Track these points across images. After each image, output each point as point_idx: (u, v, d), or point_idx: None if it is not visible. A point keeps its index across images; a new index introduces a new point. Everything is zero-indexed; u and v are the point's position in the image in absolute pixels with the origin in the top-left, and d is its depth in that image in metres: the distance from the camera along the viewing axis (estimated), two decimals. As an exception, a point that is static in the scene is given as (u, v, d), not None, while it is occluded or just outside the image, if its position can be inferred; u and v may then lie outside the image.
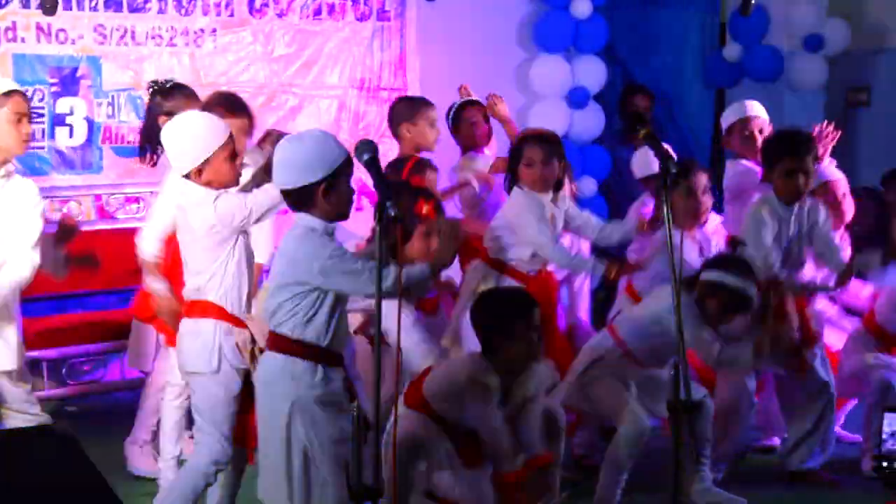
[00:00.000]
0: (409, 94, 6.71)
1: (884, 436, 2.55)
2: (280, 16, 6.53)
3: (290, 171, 3.51)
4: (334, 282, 3.45)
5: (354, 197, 3.60)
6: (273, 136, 4.44)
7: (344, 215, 3.56)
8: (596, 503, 4.46)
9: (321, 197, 3.47)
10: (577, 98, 7.44)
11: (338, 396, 3.51)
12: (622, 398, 4.44)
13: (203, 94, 5.03)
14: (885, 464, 2.57)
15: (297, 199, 3.51)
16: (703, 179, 5.12)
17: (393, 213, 3.13)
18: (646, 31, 8.29)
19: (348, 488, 3.00)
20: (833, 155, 5.50)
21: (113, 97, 6.05)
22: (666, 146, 3.91)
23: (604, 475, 4.47)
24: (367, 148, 3.29)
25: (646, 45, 8.29)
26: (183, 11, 6.20)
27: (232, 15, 6.36)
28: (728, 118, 5.51)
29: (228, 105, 4.66)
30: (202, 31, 6.29)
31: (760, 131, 5.38)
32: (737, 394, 4.78)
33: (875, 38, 8.24)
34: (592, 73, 7.54)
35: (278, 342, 3.53)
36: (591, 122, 7.57)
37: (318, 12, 6.64)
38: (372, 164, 3.26)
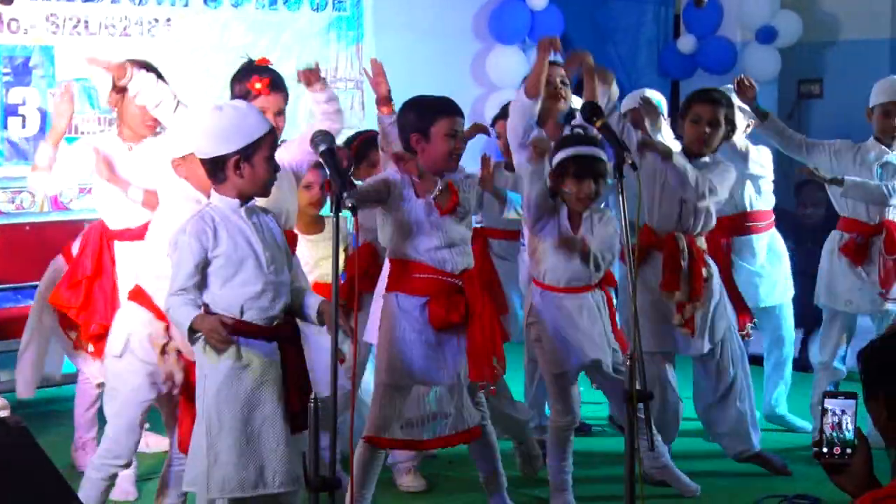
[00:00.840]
0: (365, 84, 6.70)
1: (824, 422, 2.60)
2: (235, 6, 6.50)
3: (205, 140, 3.48)
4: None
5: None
6: None
7: (259, 193, 3.51)
8: (551, 491, 4.51)
9: (232, 171, 3.43)
10: (533, 89, 7.48)
11: (258, 370, 3.46)
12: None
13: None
14: (825, 449, 2.61)
15: (211, 169, 3.47)
16: None
17: (350, 205, 3.14)
18: (601, 22, 8.36)
19: (305, 480, 3.02)
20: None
21: (66, 86, 5.99)
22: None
23: (548, 461, 4.51)
24: (324, 139, 3.29)
25: (601, 37, 8.36)
26: (137, 1, 6.16)
27: (187, 5, 6.33)
28: None
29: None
30: (157, 20, 6.25)
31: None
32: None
33: (827, 31, 8.36)
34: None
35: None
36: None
37: (273, 2, 6.63)
38: (328, 155, 3.26)
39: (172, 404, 3.94)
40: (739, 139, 5.34)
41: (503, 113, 4.83)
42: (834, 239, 5.25)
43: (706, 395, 4.92)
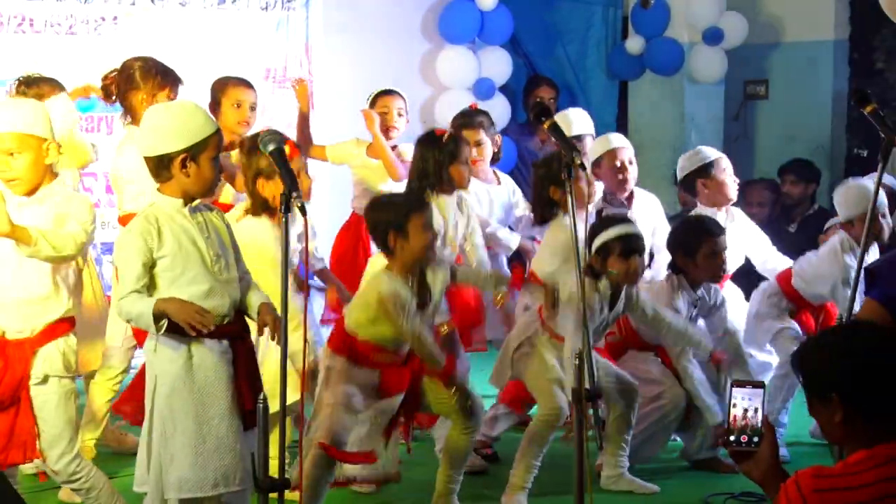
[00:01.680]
0: (315, 84, 6.71)
1: (733, 411, 2.65)
2: (183, 4, 6.47)
3: (151, 139, 3.47)
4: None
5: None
6: None
7: (203, 192, 3.50)
8: (508, 489, 4.53)
9: (178, 169, 3.42)
10: (482, 89, 7.51)
11: (210, 370, 3.45)
12: (545, 378, 4.53)
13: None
14: (732, 437, 2.65)
15: (156, 168, 3.45)
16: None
17: (299, 205, 3.12)
18: (550, 23, 8.41)
19: (255, 481, 3.01)
20: (732, 146, 5.65)
21: (11, 86, 5.93)
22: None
23: (519, 457, 4.55)
24: (273, 138, 3.27)
25: (550, 38, 8.42)
26: (83, -1, 6.12)
27: (134, 3, 6.29)
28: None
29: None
30: (103, 18, 6.20)
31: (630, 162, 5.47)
32: (680, 399, 4.89)
33: (772, 32, 8.47)
34: (498, 64, 7.62)
35: None
36: (496, 113, 7.62)
37: (221, 1, 6.60)
38: (277, 155, 3.24)
39: None
40: None
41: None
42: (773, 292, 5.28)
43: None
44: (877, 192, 4.18)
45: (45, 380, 3.79)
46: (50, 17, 6.04)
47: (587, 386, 3.61)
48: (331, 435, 4.02)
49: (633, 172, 5.44)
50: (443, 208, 4.78)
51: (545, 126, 4.07)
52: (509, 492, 4.51)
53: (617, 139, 5.58)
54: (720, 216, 5.29)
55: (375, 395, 4.10)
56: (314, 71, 6.92)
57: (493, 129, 5.58)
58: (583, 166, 3.88)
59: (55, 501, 4.49)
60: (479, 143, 5.36)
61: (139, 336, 4.75)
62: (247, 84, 5.32)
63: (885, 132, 4.13)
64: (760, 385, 2.65)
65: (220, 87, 5.25)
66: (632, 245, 4.50)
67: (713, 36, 8.11)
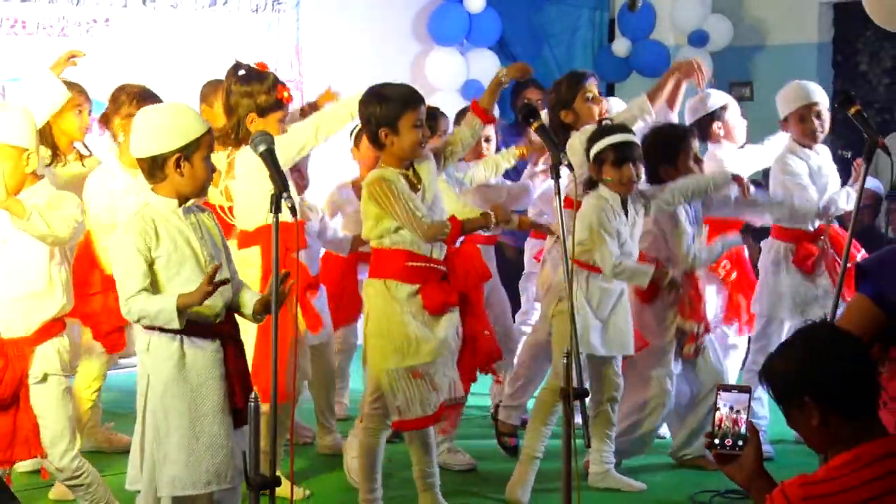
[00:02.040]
0: (305, 85, 6.75)
1: (718, 415, 2.68)
2: (174, 6, 6.50)
3: (144, 140, 3.49)
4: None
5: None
6: None
7: (197, 192, 3.53)
8: (521, 458, 4.61)
9: (172, 169, 3.45)
10: (471, 90, 7.57)
11: (202, 369, 3.48)
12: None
13: (95, 85, 5.02)
14: (716, 441, 2.70)
15: (150, 169, 3.48)
16: None
17: (290, 205, 3.15)
18: (538, 25, 8.47)
19: (246, 479, 3.03)
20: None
21: (3, 87, 5.97)
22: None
23: (529, 427, 4.63)
24: (263, 139, 3.30)
25: (538, 40, 8.48)
26: (75, 1, 6.14)
27: (125, 5, 6.32)
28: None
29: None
30: (95, 20, 6.23)
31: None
32: (659, 389, 4.93)
33: (756, 35, 8.54)
34: (486, 66, 7.67)
35: None
36: (484, 114, 7.70)
37: (212, 3, 6.63)
38: (268, 156, 3.26)
39: None
40: None
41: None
42: (775, 249, 5.26)
43: (687, 389, 5.04)
44: (860, 193, 4.23)
45: (44, 378, 3.84)
46: (42, 20, 6.06)
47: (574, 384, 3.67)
48: (399, 412, 4.12)
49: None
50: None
51: (533, 127, 4.13)
52: (522, 461, 4.60)
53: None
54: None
55: (421, 313, 4.13)
56: (304, 72, 6.96)
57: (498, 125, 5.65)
58: (570, 166, 3.93)
59: (47, 501, 4.52)
60: (487, 139, 5.40)
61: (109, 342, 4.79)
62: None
63: (869, 134, 4.18)
64: (746, 389, 2.69)
65: (213, 90, 5.26)
66: (625, 153, 4.53)
67: (698, 38, 8.19)
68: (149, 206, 3.51)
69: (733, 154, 5.48)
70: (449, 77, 7.54)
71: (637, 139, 4.65)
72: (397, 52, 7.38)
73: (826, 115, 5.24)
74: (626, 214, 4.66)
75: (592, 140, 4.61)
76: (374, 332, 4.17)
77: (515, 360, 5.34)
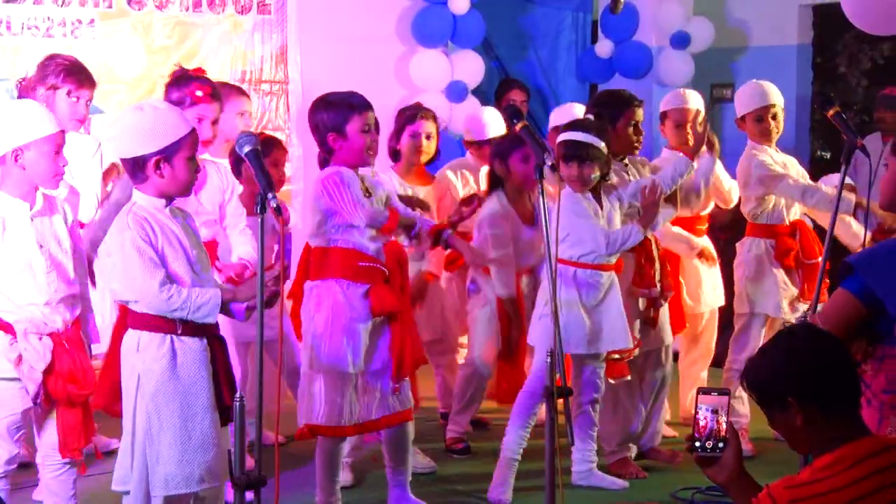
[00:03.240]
0: (290, 87, 6.76)
1: (698, 418, 2.71)
2: (160, 7, 6.50)
3: (126, 140, 3.51)
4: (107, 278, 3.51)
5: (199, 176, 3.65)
6: None
7: (180, 193, 3.54)
8: (500, 465, 4.64)
9: (153, 170, 3.46)
10: (455, 92, 7.60)
11: (192, 367, 3.50)
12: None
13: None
14: (697, 444, 2.73)
15: (132, 169, 3.49)
16: None
17: (275, 205, 3.16)
18: (522, 27, 8.51)
19: (231, 478, 3.05)
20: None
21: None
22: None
23: (508, 430, 4.65)
24: (248, 140, 3.30)
25: (522, 42, 8.52)
26: (60, 2, 6.12)
27: (111, 6, 6.31)
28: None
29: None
30: (80, 21, 6.22)
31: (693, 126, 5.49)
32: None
33: (738, 37, 8.60)
34: (470, 67, 7.70)
35: (131, 319, 3.54)
36: (469, 115, 7.72)
37: (198, 5, 6.63)
38: (253, 157, 3.26)
39: (39, 413, 3.88)
40: None
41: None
42: (755, 246, 5.29)
43: (644, 387, 5.07)
44: (840, 193, 4.27)
45: None
46: (27, 20, 6.05)
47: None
48: (327, 418, 4.10)
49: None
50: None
51: (517, 128, 4.17)
52: (502, 463, 4.63)
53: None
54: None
55: (367, 315, 4.12)
56: (290, 74, 6.97)
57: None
58: (553, 168, 3.97)
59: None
60: (428, 136, 5.39)
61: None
62: (238, 91, 5.33)
63: (848, 135, 4.24)
64: (725, 392, 2.72)
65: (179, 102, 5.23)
66: (572, 151, 4.57)
67: (681, 40, 8.24)
68: (137, 206, 3.53)
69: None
70: (433, 78, 7.56)
71: (592, 140, 4.62)
72: (381, 53, 7.39)
73: (781, 117, 5.30)
74: (602, 207, 4.68)
75: (560, 133, 4.69)
76: (317, 332, 4.15)
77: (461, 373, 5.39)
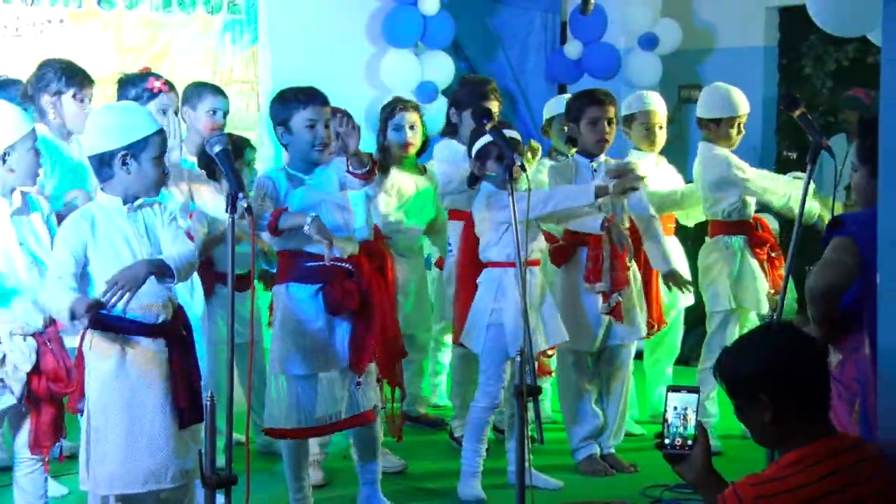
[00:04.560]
0: (261, 87, 6.76)
1: (667, 415, 2.72)
2: (129, 7, 6.48)
3: (94, 136, 3.52)
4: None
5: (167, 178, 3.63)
6: None
7: (146, 192, 3.53)
8: (464, 476, 4.63)
9: (119, 166, 3.46)
10: (425, 92, 7.61)
11: (142, 367, 3.48)
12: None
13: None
14: (667, 441, 2.75)
15: (98, 167, 3.50)
16: None
17: (245, 205, 3.18)
18: (491, 28, 8.55)
19: (202, 478, 3.05)
20: (668, 149, 5.80)
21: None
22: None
23: (465, 447, 4.65)
24: (219, 140, 3.33)
25: (491, 42, 8.55)
26: (30, 2, 6.10)
27: (80, 6, 6.29)
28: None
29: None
30: (49, 21, 6.20)
31: (661, 127, 5.57)
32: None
33: (705, 38, 8.68)
34: (440, 68, 7.72)
35: (91, 317, 3.51)
36: (439, 115, 7.75)
37: (168, 4, 6.63)
38: (223, 156, 3.29)
39: (15, 413, 3.87)
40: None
41: None
42: (729, 243, 5.30)
43: (605, 387, 5.10)
44: (805, 194, 4.32)
45: None
46: (-4, 20, 6.04)
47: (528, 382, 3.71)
48: (282, 420, 4.09)
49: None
50: None
51: (487, 128, 4.20)
52: (465, 476, 4.62)
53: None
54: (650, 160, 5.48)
55: (318, 315, 4.07)
56: (260, 74, 6.98)
57: None
58: (523, 167, 3.99)
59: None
60: (412, 126, 5.38)
61: None
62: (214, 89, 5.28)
63: (813, 135, 4.28)
64: (695, 390, 2.73)
65: (196, 93, 5.22)
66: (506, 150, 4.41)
67: (649, 42, 8.30)
68: (93, 204, 3.54)
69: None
70: (403, 79, 7.58)
71: (520, 137, 4.60)
72: (352, 53, 7.41)
73: (744, 127, 5.34)
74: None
75: (474, 137, 4.56)
76: (274, 336, 4.15)
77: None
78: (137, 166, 3.46)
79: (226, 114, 5.08)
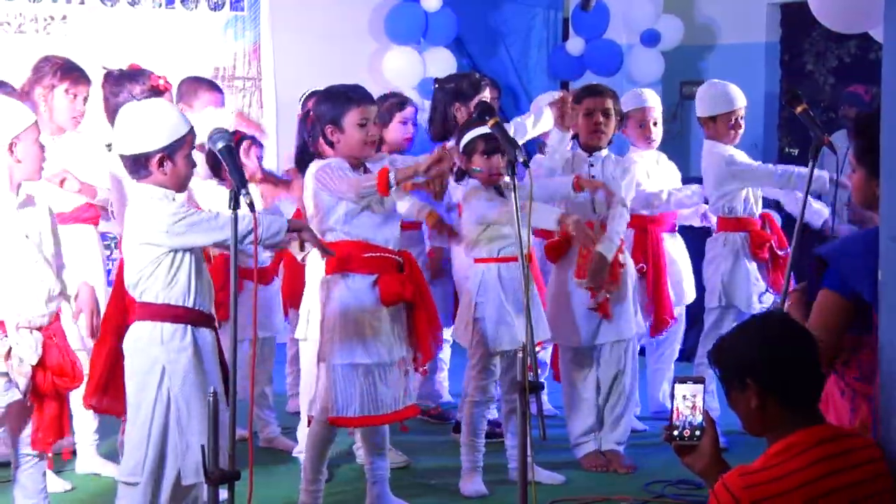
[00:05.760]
0: (263, 83, 6.77)
1: (676, 406, 2.73)
2: (132, 4, 6.50)
3: (129, 137, 3.54)
4: (187, 239, 3.48)
5: (194, 171, 3.64)
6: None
7: (178, 189, 3.59)
8: (465, 472, 4.65)
9: (156, 167, 3.51)
10: (428, 88, 7.62)
11: (208, 357, 3.57)
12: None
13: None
14: (675, 433, 2.76)
15: (133, 166, 3.54)
16: None
17: (248, 201, 3.18)
18: (493, 25, 8.56)
19: (205, 473, 3.04)
20: (669, 145, 5.81)
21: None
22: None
23: (463, 443, 4.65)
24: (222, 136, 3.32)
25: (493, 39, 8.57)
26: (33, -2, 6.13)
27: (83, 2, 6.31)
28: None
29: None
30: (52, 17, 6.22)
31: (655, 123, 5.57)
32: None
33: (707, 35, 8.69)
34: (442, 64, 7.73)
35: (144, 310, 3.56)
36: (441, 112, 7.77)
37: (170, 1, 6.64)
38: (227, 152, 3.29)
39: (20, 408, 3.84)
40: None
41: None
42: (731, 240, 5.29)
43: (601, 383, 5.11)
44: (807, 190, 4.32)
45: None
46: (-1, 16, 6.05)
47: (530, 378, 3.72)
48: (336, 408, 4.10)
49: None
50: None
51: (490, 124, 4.20)
52: (466, 472, 4.63)
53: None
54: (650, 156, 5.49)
55: (377, 306, 4.11)
56: (263, 70, 6.99)
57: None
58: (526, 164, 4.00)
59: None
60: (404, 122, 5.45)
61: None
62: (210, 85, 5.32)
63: (816, 132, 4.29)
64: (701, 380, 2.73)
65: (193, 90, 5.24)
66: (494, 144, 4.45)
67: (650, 38, 8.31)
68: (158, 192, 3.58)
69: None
70: (406, 75, 7.60)
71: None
72: (354, 50, 7.42)
73: (742, 121, 5.34)
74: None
75: (463, 131, 4.59)
76: (329, 326, 4.17)
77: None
78: (173, 166, 3.52)
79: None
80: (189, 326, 3.55)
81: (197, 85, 5.13)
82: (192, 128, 3.59)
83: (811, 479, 2.51)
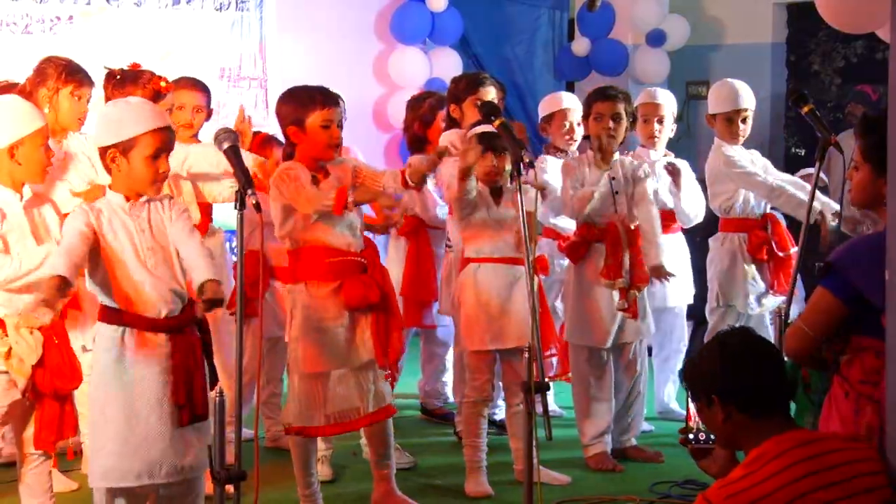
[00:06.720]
0: (269, 83, 6.77)
1: (691, 409, 2.77)
2: (138, 4, 6.51)
3: (97, 131, 3.53)
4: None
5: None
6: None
7: (140, 190, 3.50)
8: (469, 471, 4.63)
9: (110, 162, 3.47)
10: (433, 88, 7.61)
11: (139, 361, 3.46)
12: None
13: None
14: (691, 436, 2.80)
15: (101, 160, 3.51)
16: None
17: (254, 202, 3.17)
18: (499, 25, 8.56)
19: (211, 473, 3.04)
20: (675, 146, 5.81)
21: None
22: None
23: (465, 443, 4.64)
24: (227, 136, 3.32)
25: (499, 39, 8.57)
26: (39, -1, 6.14)
27: (89, 3, 6.32)
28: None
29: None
30: (59, 18, 6.23)
31: (659, 121, 5.57)
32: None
33: (713, 34, 8.68)
34: (448, 64, 7.74)
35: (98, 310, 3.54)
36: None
37: (176, 2, 6.65)
38: (232, 153, 3.29)
39: (22, 408, 3.86)
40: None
41: None
42: (729, 240, 5.31)
43: (617, 383, 5.12)
44: (814, 190, 4.32)
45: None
46: (5, 17, 6.06)
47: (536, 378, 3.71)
48: (301, 419, 4.08)
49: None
50: None
51: (495, 125, 4.19)
52: (470, 470, 4.62)
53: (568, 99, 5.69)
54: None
55: (341, 311, 4.07)
56: (268, 70, 6.99)
57: None
58: (531, 164, 4.00)
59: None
60: None
61: None
62: (193, 85, 5.19)
63: (822, 132, 4.28)
64: None
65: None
66: (489, 142, 4.42)
67: (656, 38, 8.31)
68: (103, 200, 3.55)
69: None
70: (412, 75, 7.61)
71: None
72: (360, 50, 7.43)
73: (750, 120, 5.34)
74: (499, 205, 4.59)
75: (470, 130, 4.56)
76: (294, 336, 4.12)
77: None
78: (127, 164, 3.45)
79: (198, 109, 5.04)
80: (121, 328, 3.47)
81: (176, 84, 5.12)
82: (160, 128, 3.48)
83: (791, 481, 2.54)
